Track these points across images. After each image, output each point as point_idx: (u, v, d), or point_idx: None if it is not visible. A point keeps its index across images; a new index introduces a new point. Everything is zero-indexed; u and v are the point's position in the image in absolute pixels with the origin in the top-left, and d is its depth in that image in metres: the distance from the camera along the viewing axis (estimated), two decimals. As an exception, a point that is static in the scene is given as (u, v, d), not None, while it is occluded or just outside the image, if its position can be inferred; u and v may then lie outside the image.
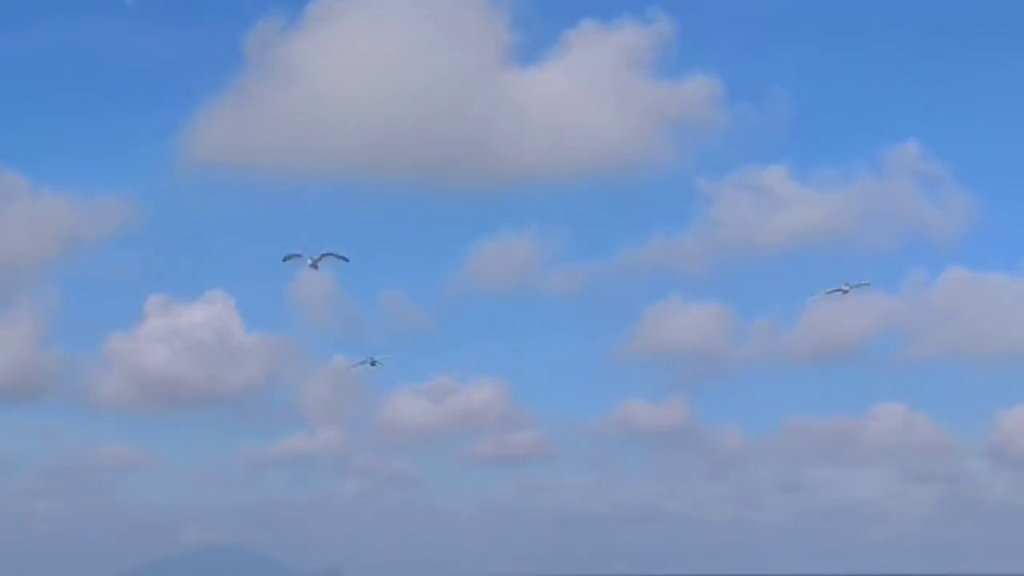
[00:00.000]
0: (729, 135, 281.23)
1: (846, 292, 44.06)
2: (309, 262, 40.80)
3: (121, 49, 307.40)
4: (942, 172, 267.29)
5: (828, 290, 45.05)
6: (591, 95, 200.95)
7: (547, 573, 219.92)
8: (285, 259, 41.12)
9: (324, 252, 42.00)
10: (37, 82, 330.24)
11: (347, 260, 43.43)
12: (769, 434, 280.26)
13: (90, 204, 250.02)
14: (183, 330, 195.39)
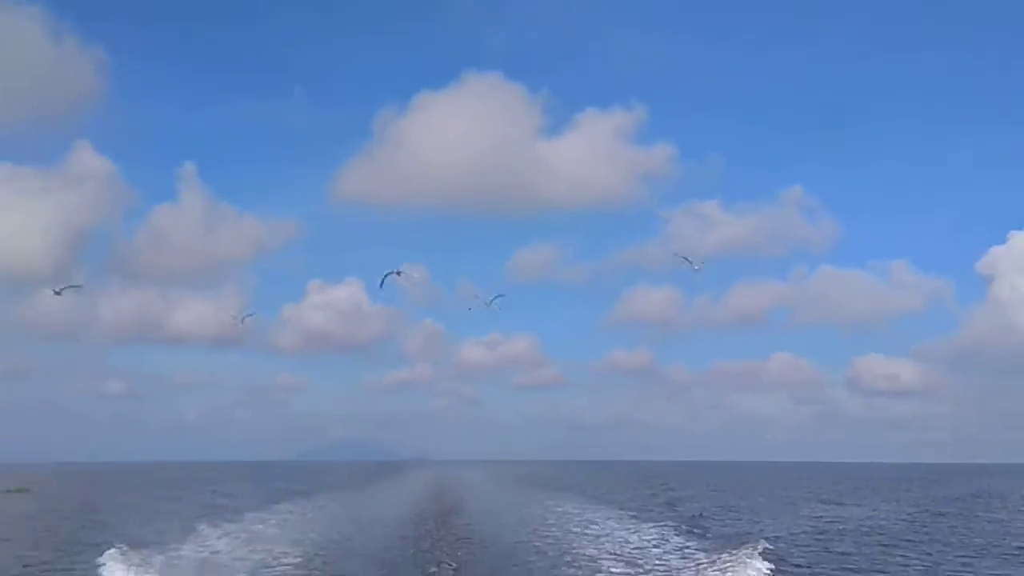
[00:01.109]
0: (680, 181, 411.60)
1: (698, 269, 49.08)
2: (393, 273, 52.72)
3: (293, 122, 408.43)
4: (816, 204, 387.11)
5: (696, 266, 50.83)
6: (593, 156, 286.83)
7: (560, 459, 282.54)
8: (382, 281, 50.44)
9: (398, 270, 53.90)
10: (240, 142, 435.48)
11: (399, 273, 52.39)
12: (703, 371, 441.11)
13: (274, 223, 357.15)
14: (331, 303, 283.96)
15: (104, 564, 23.61)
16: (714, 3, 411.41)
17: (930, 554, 29.30)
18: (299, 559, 24.16)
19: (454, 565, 22.90)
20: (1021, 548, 31.48)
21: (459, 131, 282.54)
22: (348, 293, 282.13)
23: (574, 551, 27.17)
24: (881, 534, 36.25)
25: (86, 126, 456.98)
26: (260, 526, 34.40)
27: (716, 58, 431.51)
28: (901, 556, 28.61)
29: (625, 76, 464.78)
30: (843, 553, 29.10)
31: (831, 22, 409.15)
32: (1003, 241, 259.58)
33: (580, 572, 22.44)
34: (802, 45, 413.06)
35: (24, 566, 26.38)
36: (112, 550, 24.95)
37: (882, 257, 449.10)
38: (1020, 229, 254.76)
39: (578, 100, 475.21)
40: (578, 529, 34.61)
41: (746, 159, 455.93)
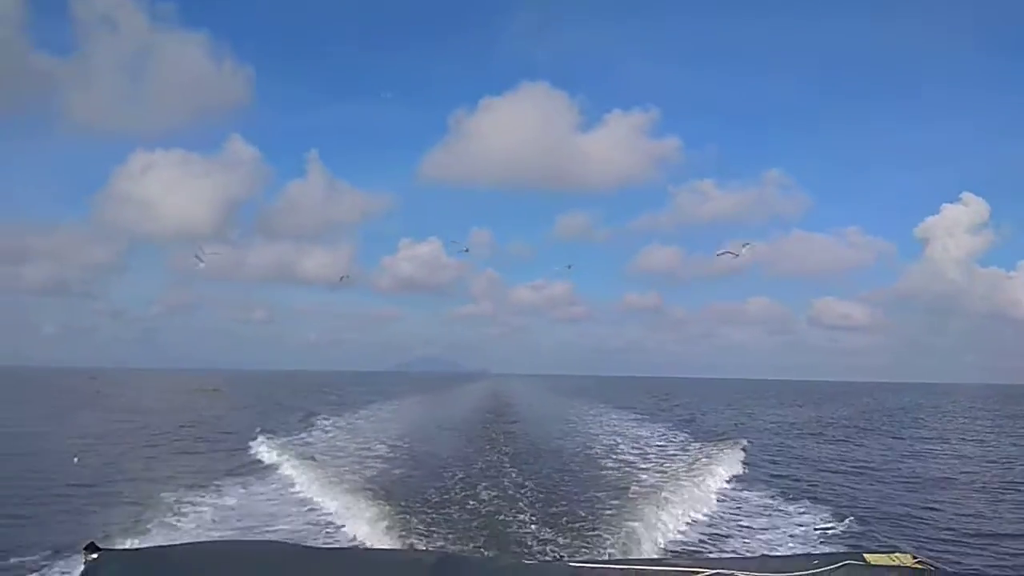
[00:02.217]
0: (684, 165, 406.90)
1: (736, 256, 40.95)
2: (464, 250, 61.47)
3: (388, 118, 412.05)
4: (792, 183, 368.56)
5: (720, 252, 46.14)
6: (617, 147, 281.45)
7: (586, 374, 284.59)
8: (453, 252, 66.16)
9: (465, 247, 65.30)
10: (350, 133, 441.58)
11: (466, 250, 58.85)
12: (698, 310, 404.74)
13: (375, 195, 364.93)
14: (417, 256, 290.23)
15: (255, 442, 24.45)
16: (712, 28, 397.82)
17: (860, 446, 29.14)
18: (392, 442, 24.63)
19: (505, 445, 23.26)
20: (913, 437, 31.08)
21: (515, 127, 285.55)
22: (430, 249, 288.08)
23: (592, 438, 27.43)
24: (827, 428, 36.27)
25: (238, 123, 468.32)
26: (361, 421, 35.12)
27: (713, 69, 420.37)
28: (836, 444, 28.49)
29: (643, 85, 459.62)
30: (797, 444, 29.12)
31: (799, 37, 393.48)
32: (937, 212, 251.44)
33: (596, 453, 22.60)
34: (777, 57, 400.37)
35: (198, 439, 27.61)
36: (260, 435, 25.88)
37: (841, 224, 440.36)
38: (951, 202, 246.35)
39: (606, 103, 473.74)
40: (598, 424, 34.90)
41: (736, 148, 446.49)
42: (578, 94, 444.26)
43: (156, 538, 10.96)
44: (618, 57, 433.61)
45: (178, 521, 12.75)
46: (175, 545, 7.03)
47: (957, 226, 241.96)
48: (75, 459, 20.14)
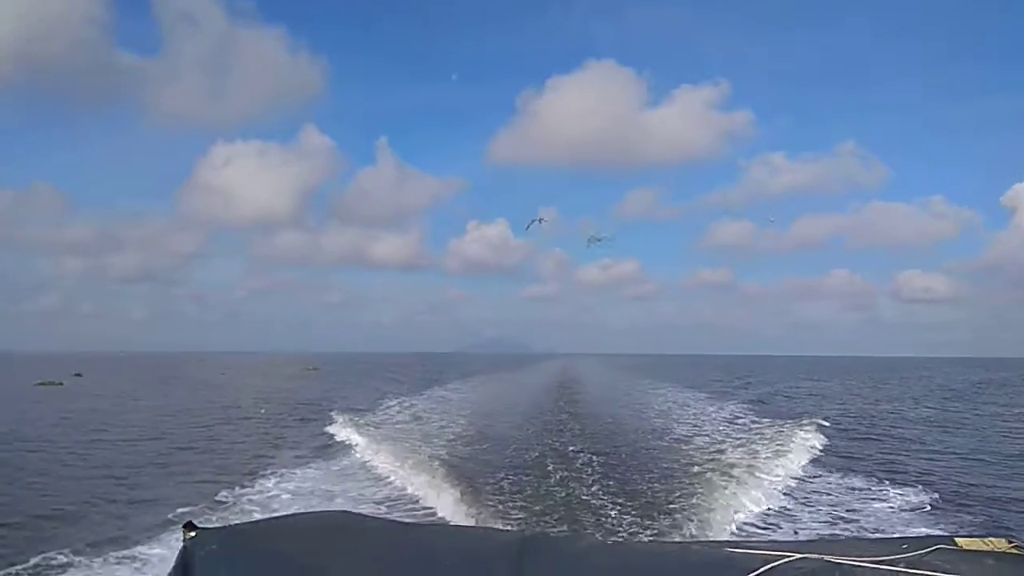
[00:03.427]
0: (753, 137, 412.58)
1: (772, 221, 61.66)
2: (527, 224, 38.33)
3: (455, 102, 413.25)
4: (867, 153, 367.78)
5: (770, 219, 59.03)
6: (685, 122, 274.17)
7: (655, 352, 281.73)
8: (527, 226, 36.52)
9: (541, 218, 38.69)
10: (417, 119, 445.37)
11: (541, 221, 38.31)
12: (773, 286, 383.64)
13: (445, 180, 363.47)
14: (484, 237, 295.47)
15: (333, 421, 25.24)
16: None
17: (945, 424, 27.76)
18: (464, 421, 24.99)
19: (574, 425, 23.25)
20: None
21: (583, 106, 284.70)
22: (498, 231, 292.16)
23: (661, 417, 27.13)
24: (908, 406, 34.71)
25: (312, 113, 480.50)
26: (433, 402, 35.73)
27: (785, 40, 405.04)
28: (919, 423, 27.23)
29: (712, 58, 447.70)
30: (878, 424, 27.99)
31: (873, 4, 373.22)
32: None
33: (666, 432, 22.33)
34: (850, 26, 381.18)
35: (279, 415, 28.74)
36: (335, 413, 26.77)
37: (923, 194, 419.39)
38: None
39: (675, 79, 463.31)
40: (669, 403, 34.47)
41: (809, 120, 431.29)
42: (645, 70, 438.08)
43: (251, 514, 11.52)
44: (686, 31, 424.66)
45: (272, 495, 13.42)
46: (267, 519, 7.31)
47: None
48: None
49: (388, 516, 10.79)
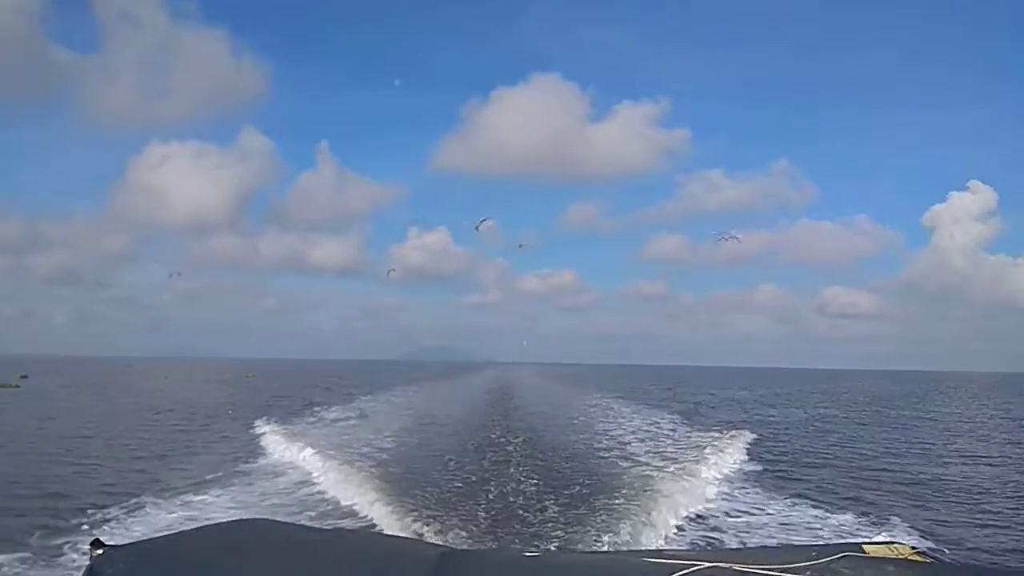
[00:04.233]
0: (693, 156, 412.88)
1: (726, 239, 48.30)
2: (486, 220, 48.89)
3: (399, 108, 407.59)
4: (798, 173, 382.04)
5: (722, 237, 48.87)
6: (627, 137, 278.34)
7: (592, 362, 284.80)
8: (477, 225, 45.64)
9: (484, 219, 50.16)
10: (360, 124, 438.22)
11: (485, 223, 47.74)
12: (706, 298, 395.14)
13: (386, 186, 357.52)
14: (425, 244, 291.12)
15: (261, 428, 24.65)
16: (722, 14, 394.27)
17: (862, 435, 29.08)
18: (398, 429, 24.75)
19: (509, 434, 23.34)
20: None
21: (527, 118, 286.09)
22: (439, 238, 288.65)
23: (596, 425, 27.51)
24: (829, 418, 36.17)
25: (253, 116, 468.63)
26: (368, 409, 35.31)
27: (724, 60, 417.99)
28: (838, 434, 28.45)
29: (653, 76, 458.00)
30: (801, 431, 29.06)
31: (810, 29, 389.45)
32: (944, 200, 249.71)
33: (600, 441, 22.65)
34: (787, 48, 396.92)
35: (208, 419, 27.85)
36: (263, 420, 26.15)
37: (848, 213, 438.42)
38: (958, 190, 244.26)
39: (617, 94, 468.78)
40: (602, 412, 34.95)
41: (745, 139, 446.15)
42: (589, 85, 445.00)
43: (167, 528, 11.12)
44: (630, 49, 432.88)
45: (186, 507, 12.97)
46: (179, 533, 7.06)
47: (964, 214, 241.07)
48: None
49: (308, 524, 10.61)
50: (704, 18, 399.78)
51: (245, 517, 10.84)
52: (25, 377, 66.62)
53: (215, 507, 12.88)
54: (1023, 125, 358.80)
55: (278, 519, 10.06)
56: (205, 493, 14.13)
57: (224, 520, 9.68)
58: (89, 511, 12.68)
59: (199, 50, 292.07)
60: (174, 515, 12.30)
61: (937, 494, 16.78)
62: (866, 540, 8.35)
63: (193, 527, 8.80)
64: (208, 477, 15.78)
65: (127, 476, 16.83)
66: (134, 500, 13.48)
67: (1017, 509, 15.35)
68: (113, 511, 12.60)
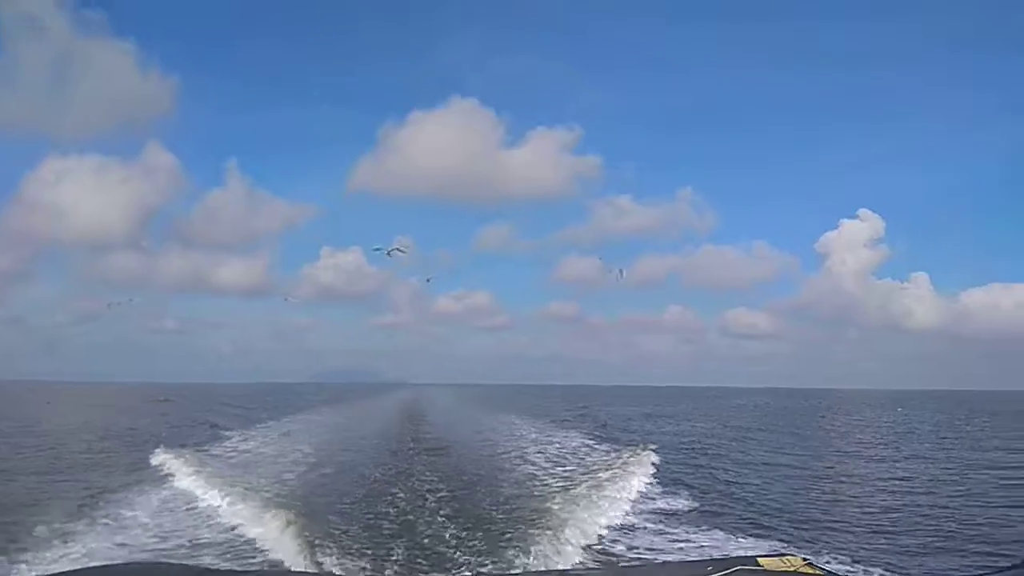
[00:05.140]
0: (604, 181, 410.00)
1: (621, 274, 55.61)
2: (386, 250, 45.87)
3: (310, 126, 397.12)
4: (701, 200, 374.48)
5: (620, 273, 56.04)
6: (540, 163, 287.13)
7: (506, 383, 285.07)
8: (375, 250, 53.96)
9: (392, 247, 46.05)
10: (271, 142, 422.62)
11: (399, 250, 44.69)
12: (616, 320, 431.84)
13: (298, 205, 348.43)
14: (339, 264, 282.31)
15: (158, 456, 23.34)
16: (632, 45, 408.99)
17: (760, 450, 30.49)
18: (305, 454, 24.03)
19: (419, 456, 23.10)
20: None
21: (443, 142, 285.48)
22: (352, 258, 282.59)
23: (509, 446, 27.60)
24: (729, 434, 37.72)
25: (157, 129, 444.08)
26: (273, 433, 34.12)
27: (633, 88, 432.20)
28: (738, 449, 29.70)
29: (567, 104, 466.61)
30: (704, 447, 30.16)
31: (712, 56, 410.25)
32: (835, 227, 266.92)
33: (513, 462, 22.76)
34: (692, 76, 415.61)
35: (93, 452, 26.09)
36: (161, 448, 24.74)
37: (748, 238, 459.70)
38: (848, 218, 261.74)
39: (531, 121, 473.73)
40: (513, 432, 35.10)
41: (652, 167, 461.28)
42: (504, 111, 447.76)
43: (51, 565, 10.34)
44: (545, 77, 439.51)
45: (78, 543, 12.09)
46: (69, 572, 6.62)
47: (854, 240, 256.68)
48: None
49: (213, 565, 10.13)
50: (616, 49, 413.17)
51: (134, 559, 10.25)
52: None
53: (99, 549, 12.01)
54: (909, 155, 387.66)
55: (171, 561, 9.55)
56: (89, 530, 13.19)
57: (112, 563, 9.11)
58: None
59: (104, 62, 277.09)
60: (51, 555, 11.41)
61: (826, 507, 17.78)
62: (760, 554, 8.76)
63: (74, 568, 8.24)
64: (92, 512, 14.73)
65: (25, 508, 15.55)
66: (5, 537, 12.47)
67: (900, 517, 16.46)
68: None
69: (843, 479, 22.49)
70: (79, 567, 8.81)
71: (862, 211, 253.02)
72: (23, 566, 10.75)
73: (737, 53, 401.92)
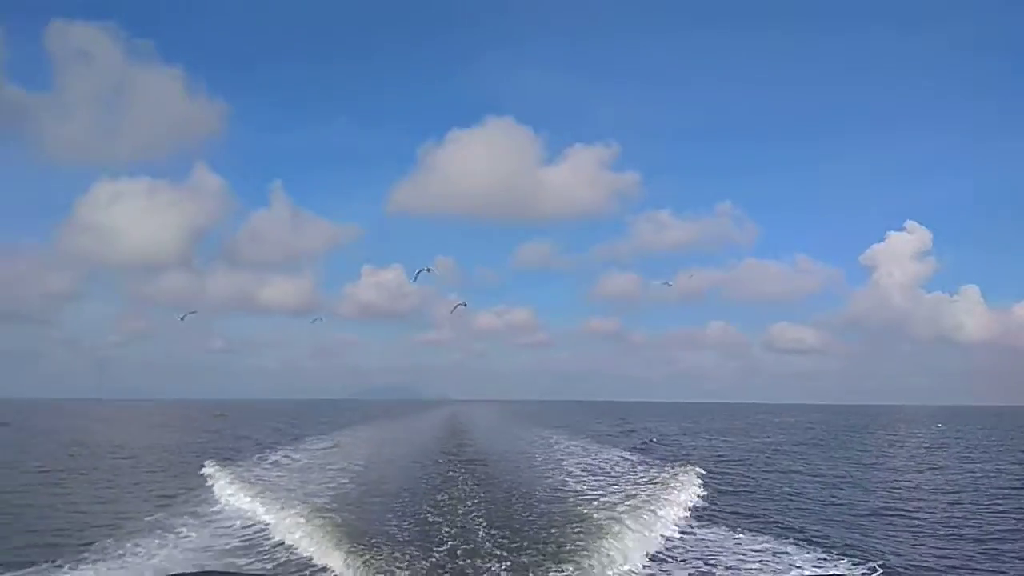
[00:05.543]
0: (641, 196, 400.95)
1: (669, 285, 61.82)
2: (426, 269, 49.82)
3: (351, 147, 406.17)
4: (742, 213, 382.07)
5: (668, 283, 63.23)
6: (578, 180, 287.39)
7: (546, 399, 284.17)
8: (416, 275, 48.36)
9: (428, 267, 51.48)
10: (315, 163, 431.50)
11: (429, 270, 48.11)
12: (657, 335, 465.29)
13: (341, 226, 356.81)
14: (380, 283, 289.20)
15: (207, 472, 23.86)
16: (668, 59, 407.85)
17: (810, 469, 29.68)
18: (351, 471, 24.24)
19: (463, 473, 23.10)
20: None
21: (481, 160, 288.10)
22: (393, 276, 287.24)
23: (553, 465, 27.39)
24: (779, 452, 36.81)
25: (204, 152, 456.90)
26: (319, 451, 34.54)
27: (670, 103, 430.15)
28: (787, 468, 28.97)
29: (604, 119, 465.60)
30: (753, 468, 29.49)
31: (751, 69, 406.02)
32: (882, 239, 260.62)
33: (558, 481, 22.55)
34: (730, 89, 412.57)
35: (155, 469, 26.82)
36: (209, 463, 25.34)
37: (791, 251, 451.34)
38: (895, 230, 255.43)
39: (569, 137, 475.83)
40: (556, 450, 34.85)
41: (692, 181, 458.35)
42: (542, 129, 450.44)
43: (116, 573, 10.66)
44: (581, 94, 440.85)
45: (139, 555, 12.46)
46: None
47: (901, 253, 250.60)
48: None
49: (269, 574, 10.30)
50: (651, 64, 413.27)
51: (192, 571, 10.47)
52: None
53: (160, 558, 12.34)
54: (957, 165, 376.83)
55: (233, 571, 9.72)
56: (153, 541, 13.56)
57: (175, 573, 9.33)
58: (37, 556, 12.20)
59: (153, 88, 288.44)
60: (112, 565, 11.75)
61: (886, 525, 17.20)
62: (820, 573, 8.50)
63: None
64: (152, 523, 15.16)
65: (82, 520, 16.12)
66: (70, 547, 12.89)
67: (960, 537, 15.85)
68: (64, 556, 12.04)
69: (909, 500, 21.75)
70: None
71: (909, 223, 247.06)
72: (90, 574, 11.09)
73: (777, 64, 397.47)
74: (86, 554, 12.36)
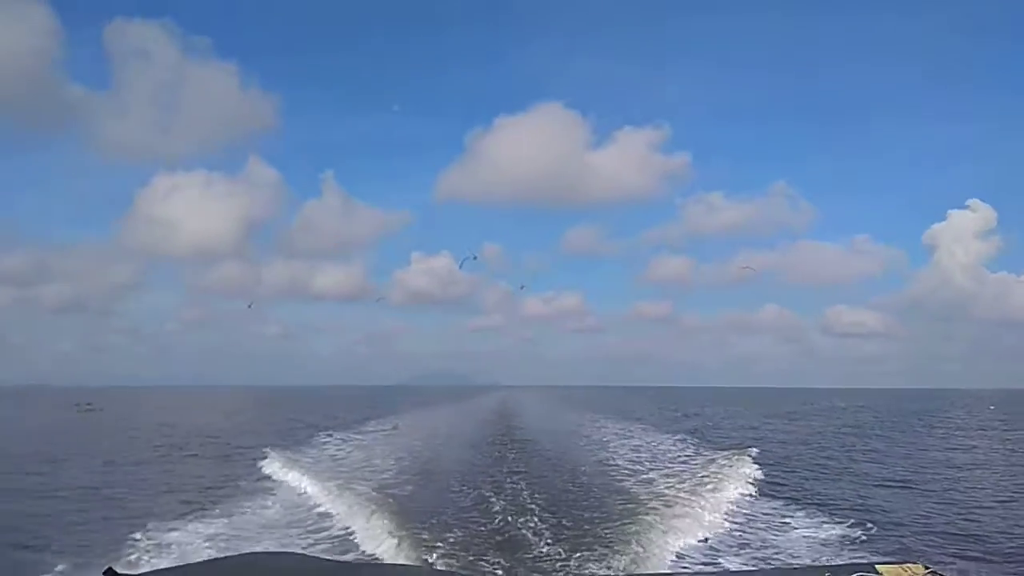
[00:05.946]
0: (692, 178, 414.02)
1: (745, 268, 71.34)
2: (472, 257, 61.07)
3: (399, 135, 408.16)
4: (796, 194, 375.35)
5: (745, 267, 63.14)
6: (627, 163, 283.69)
7: (596, 384, 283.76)
8: (462, 262, 58.28)
9: (473, 255, 59.74)
10: (364, 152, 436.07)
11: (475, 257, 57.67)
12: (710, 319, 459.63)
13: (391, 213, 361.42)
14: (429, 269, 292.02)
15: (267, 457, 24.59)
16: (718, 39, 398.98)
17: (871, 453, 28.89)
18: (403, 456, 24.62)
19: (515, 458, 23.26)
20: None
21: (530, 146, 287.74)
22: (442, 263, 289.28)
23: (605, 450, 27.34)
24: (837, 436, 35.96)
25: (258, 145, 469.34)
26: (371, 435, 35.25)
27: (721, 83, 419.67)
28: (847, 452, 28.25)
29: (653, 102, 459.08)
30: (811, 453, 28.90)
31: (805, 50, 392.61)
32: (944, 218, 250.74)
33: (611, 465, 22.50)
34: (783, 70, 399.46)
35: (226, 453, 27.89)
36: (269, 449, 26.13)
37: (848, 232, 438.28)
38: (958, 208, 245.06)
39: (617, 121, 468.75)
40: (608, 435, 34.76)
41: (744, 161, 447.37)
42: (589, 113, 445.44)
43: (185, 556, 11.09)
44: (629, 76, 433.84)
45: (202, 536, 12.93)
46: (199, 563, 7.04)
47: (965, 232, 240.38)
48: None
49: (329, 556, 10.57)
50: (701, 44, 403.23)
51: (258, 550, 10.79)
52: (90, 405, 75.37)
53: (221, 537, 12.80)
54: (1019, 142, 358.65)
55: (299, 551, 9.99)
56: (210, 522, 14.09)
57: (240, 552, 9.64)
58: (110, 535, 12.91)
59: (209, 84, 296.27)
60: (184, 547, 12.23)
61: (949, 513, 16.65)
62: (879, 560, 8.29)
63: (209, 558, 8.75)
64: (213, 509, 15.70)
65: (157, 503, 16.93)
66: (152, 526, 13.49)
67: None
68: (135, 537, 12.63)
69: (973, 488, 21.00)
70: (202, 559, 9.38)
71: (972, 201, 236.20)
72: (147, 555, 11.57)
73: (832, 44, 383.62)
74: (143, 538, 12.87)
